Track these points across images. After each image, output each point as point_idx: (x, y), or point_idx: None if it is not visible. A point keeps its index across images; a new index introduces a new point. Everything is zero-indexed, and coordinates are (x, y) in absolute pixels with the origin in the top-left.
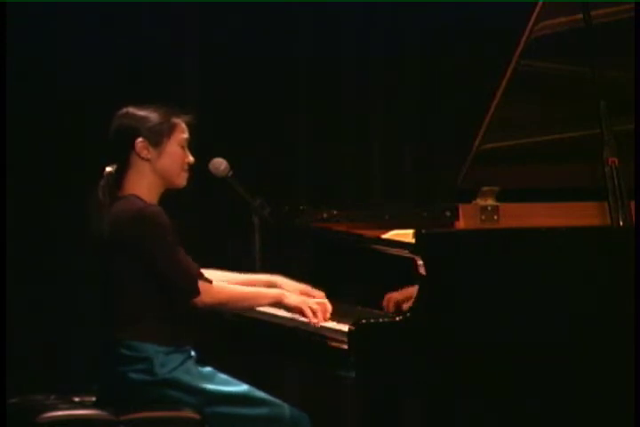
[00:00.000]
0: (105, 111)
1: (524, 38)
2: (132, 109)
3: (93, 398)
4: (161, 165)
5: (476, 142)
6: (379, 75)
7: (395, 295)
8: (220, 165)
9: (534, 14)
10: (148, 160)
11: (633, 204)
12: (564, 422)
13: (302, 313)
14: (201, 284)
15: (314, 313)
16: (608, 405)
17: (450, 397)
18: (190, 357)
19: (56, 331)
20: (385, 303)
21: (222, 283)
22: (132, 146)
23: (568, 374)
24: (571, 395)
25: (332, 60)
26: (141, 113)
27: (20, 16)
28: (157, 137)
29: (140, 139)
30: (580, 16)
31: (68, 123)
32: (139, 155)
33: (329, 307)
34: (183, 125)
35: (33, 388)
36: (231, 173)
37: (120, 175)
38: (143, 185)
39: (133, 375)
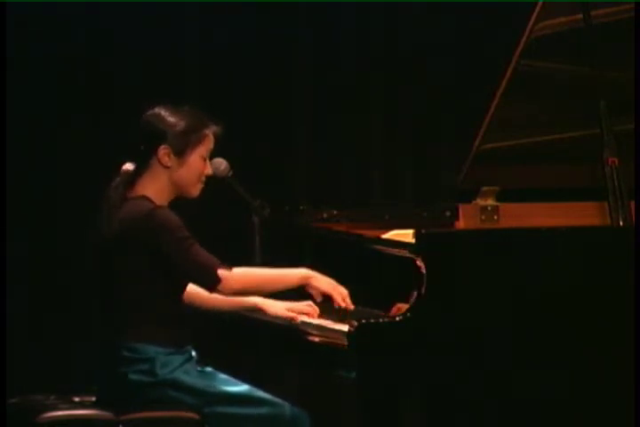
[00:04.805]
0: (105, 111)
1: (523, 38)
2: (163, 112)
3: (93, 398)
4: (179, 174)
5: (476, 142)
6: (379, 75)
7: (404, 306)
8: (220, 165)
9: (534, 14)
10: (167, 167)
11: (633, 204)
12: (564, 422)
13: (330, 297)
14: (221, 271)
15: (343, 298)
16: (609, 405)
17: (450, 396)
18: (191, 357)
19: (56, 331)
20: (394, 312)
21: (243, 268)
22: (155, 151)
23: (569, 374)
24: (571, 395)
25: (332, 60)
26: (171, 119)
27: (20, 16)
28: (182, 146)
29: (164, 145)
30: (580, 16)
31: (68, 122)
32: (159, 161)
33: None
34: (211, 137)
35: (33, 388)
36: (231, 173)
37: (134, 176)
38: (155, 189)
39: (134, 376)
